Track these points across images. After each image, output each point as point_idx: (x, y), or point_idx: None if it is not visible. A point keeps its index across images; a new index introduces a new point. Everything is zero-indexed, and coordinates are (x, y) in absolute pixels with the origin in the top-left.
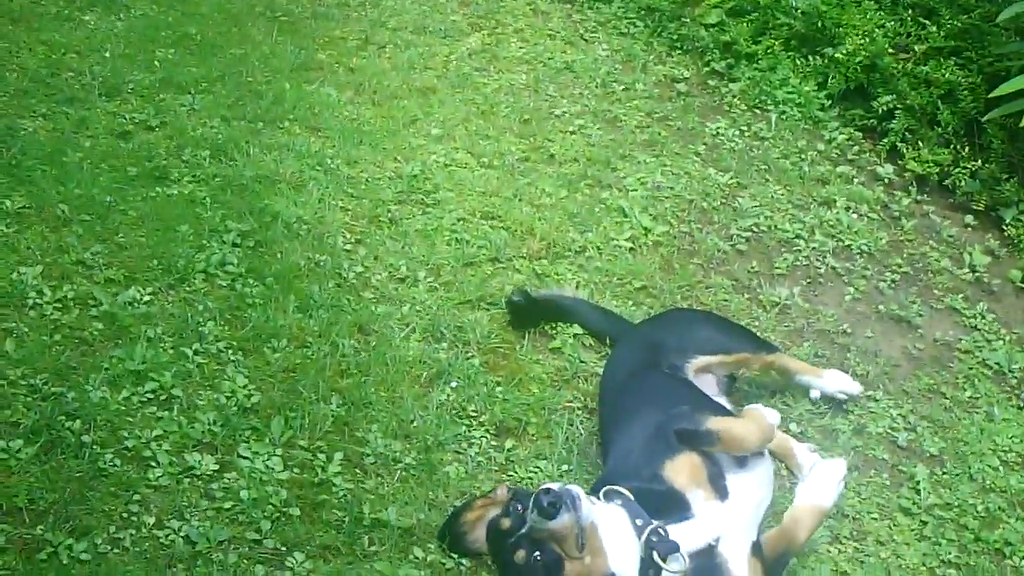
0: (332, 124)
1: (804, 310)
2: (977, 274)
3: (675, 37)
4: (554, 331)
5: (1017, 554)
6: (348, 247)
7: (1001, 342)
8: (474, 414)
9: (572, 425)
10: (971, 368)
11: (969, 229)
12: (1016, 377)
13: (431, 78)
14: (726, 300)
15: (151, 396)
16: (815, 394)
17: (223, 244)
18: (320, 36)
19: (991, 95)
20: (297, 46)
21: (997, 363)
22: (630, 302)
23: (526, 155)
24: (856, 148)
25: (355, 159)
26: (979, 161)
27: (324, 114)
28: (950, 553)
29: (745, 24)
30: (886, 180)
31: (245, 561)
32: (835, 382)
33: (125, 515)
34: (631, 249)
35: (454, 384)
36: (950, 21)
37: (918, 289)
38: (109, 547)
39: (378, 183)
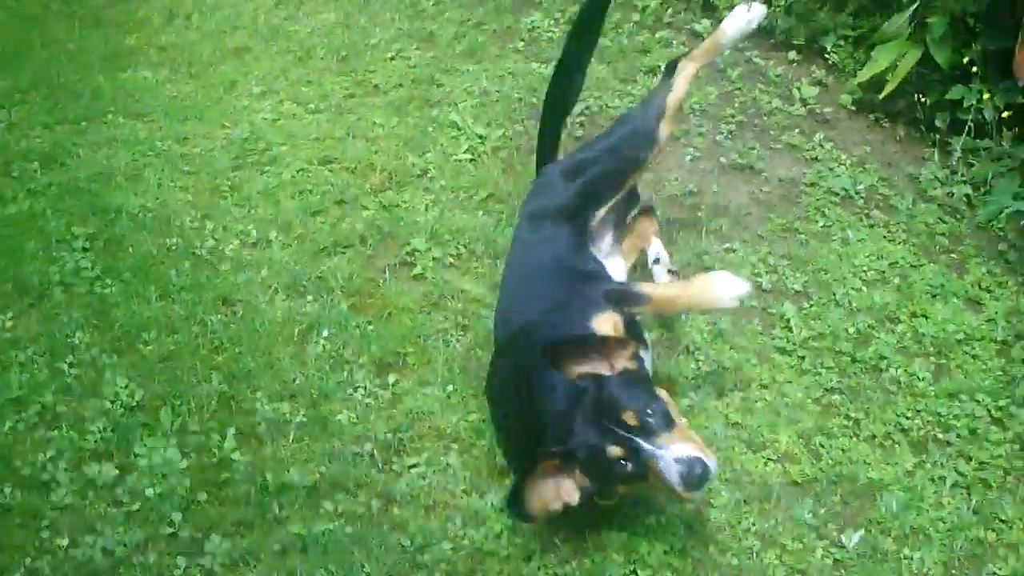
0: (155, 106)
1: (649, 181)
2: (809, 106)
3: None
4: (412, 258)
5: (893, 366)
6: (196, 224)
7: (843, 167)
8: (352, 358)
9: (448, 346)
10: (819, 199)
11: (794, 65)
12: (863, 197)
13: (242, 38)
14: None
15: (36, 419)
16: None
17: (73, 251)
18: (123, 21)
19: None
20: (102, 37)
21: (843, 188)
22: (480, 212)
23: (351, 92)
24: (670, 10)
25: (184, 136)
26: None
27: (145, 98)
28: (831, 380)
29: None
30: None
31: (165, 557)
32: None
33: (37, 544)
34: (471, 160)
35: (326, 333)
36: None
37: (754, 134)
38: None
39: (212, 155)
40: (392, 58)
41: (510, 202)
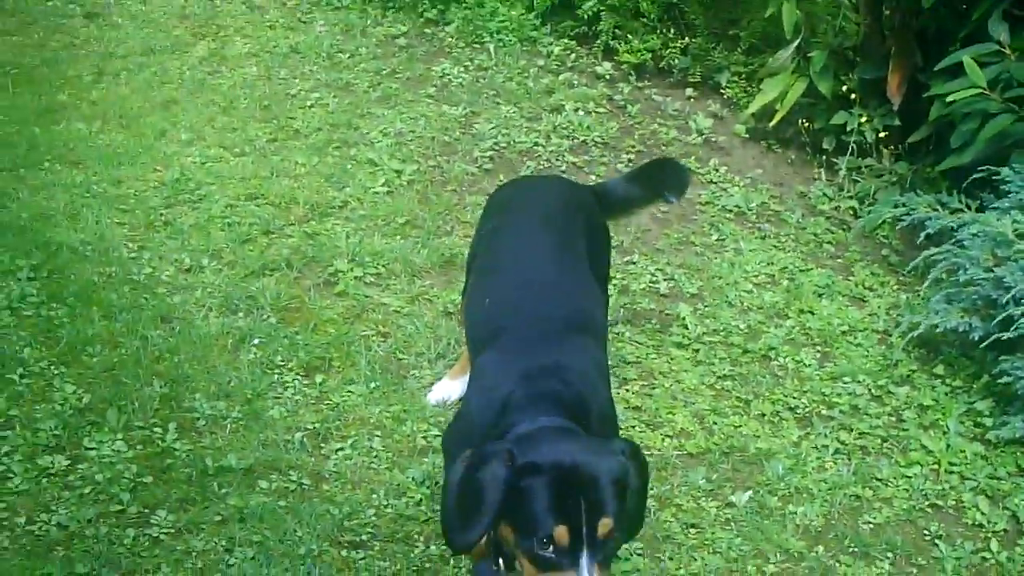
0: (89, 154)
1: None
2: (705, 136)
3: None
4: (335, 278)
5: (781, 355)
6: (133, 255)
7: (736, 188)
8: (282, 363)
9: (370, 350)
10: (713, 215)
11: (691, 100)
12: (755, 213)
13: (170, 91)
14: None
15: None
16: None
17: (19, 280)
18: (55, 79)
19: None
20: (35, 93)
21: (736, 205)
22: (398, 236)
23: (273, 136)
24: (573, 56)
25: (118, 179)
26: (686, 38)
27: (79, 147)
28: (724, 368)
29: None
30: (607, 76)
31: (115, 529)
32: None
33: None
34: (388, 192)
35: (256, 342)
36: None
37: None
38: None
39: (145, 195)
40: (311, 106)
41: (425, 227)
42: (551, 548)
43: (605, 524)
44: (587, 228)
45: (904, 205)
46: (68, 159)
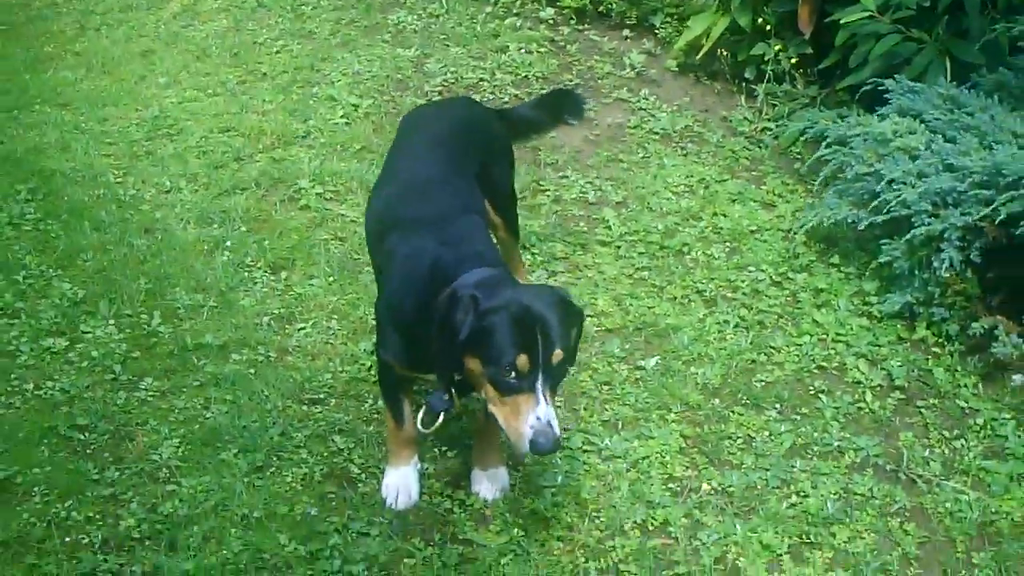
0: (76, 97)
1: None
2: (637, 70)
3: None
4: (299, 194)
5: (694, 250)
6: (119, 180)
7: (664, 114)
8: (251, 263)
9: (329, 252)
10: (641, 137)
11: (627, 40)
12: (680, 135)
13: (147, 43)
14: None
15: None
16: None
17: (18, 201)
18: (41, 34)
19: None
20: (24, 46)
21: (663, 128)
22: (355, 160)
23: (243, 79)
24: (519, 3)
25: (103, 118)
26: None
27: (67, 92)
28: (642, 262)
29: None
30: (549, 20)
31: (109, 393)
32: None
33: (8, 388)
34: (347, 123)
35: (229, 245)
36: None
37: (590, 92)
38: (5, 410)
39: (128, 130)
40: (277, 52)
41: (379, 151)
42: (513, 375)
43: (557, 355)
44: (484, 143)
45: (810, 120)
46: (57, 102)
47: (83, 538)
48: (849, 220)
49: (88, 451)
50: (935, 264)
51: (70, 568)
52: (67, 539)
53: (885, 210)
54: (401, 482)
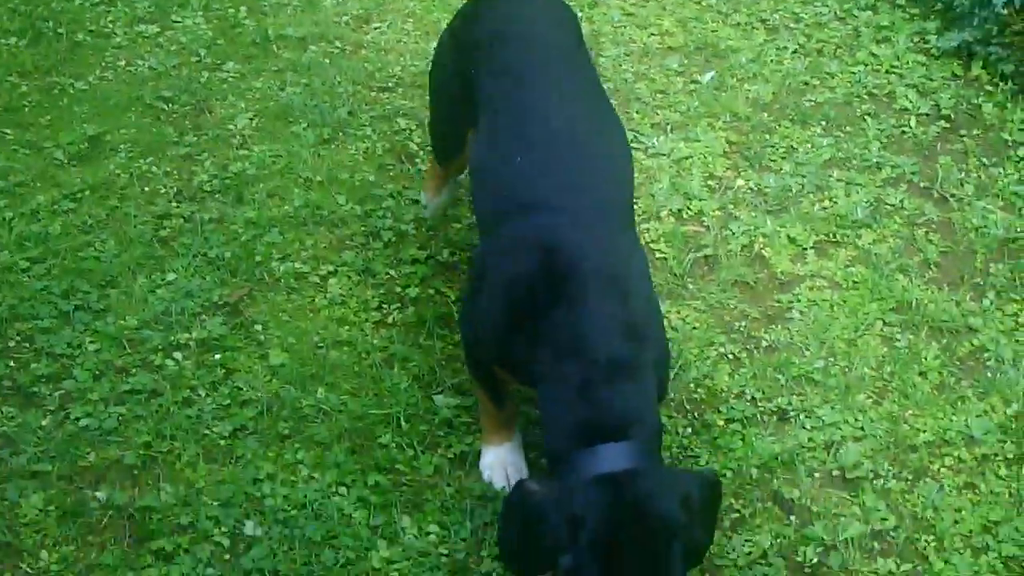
0: None
1: None
2: None
3: None
4: None
5: None
6: None
7: None
8: None
9: None
10: None
11: None
12: None
13: None
14: None
15: None
16: None
17: None
18: None
19: None
20: None
21: None
22: None
23: None
24: None
25: None
26: None
27: None
28: None
29: None
30: None
31: (193, 72)
32: None
33: (103, 63)
34: None
35: None
36: None
37: None
38: (99, 81)
39: None
40: None
41: None
42: None
43: None
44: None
45: None
46: None
47: (160, 188)
48: None
49: (170, 118)
50: (994, 1)
51: (147, 210)
52: (146, 188)
53: None
54: (504, 459)
